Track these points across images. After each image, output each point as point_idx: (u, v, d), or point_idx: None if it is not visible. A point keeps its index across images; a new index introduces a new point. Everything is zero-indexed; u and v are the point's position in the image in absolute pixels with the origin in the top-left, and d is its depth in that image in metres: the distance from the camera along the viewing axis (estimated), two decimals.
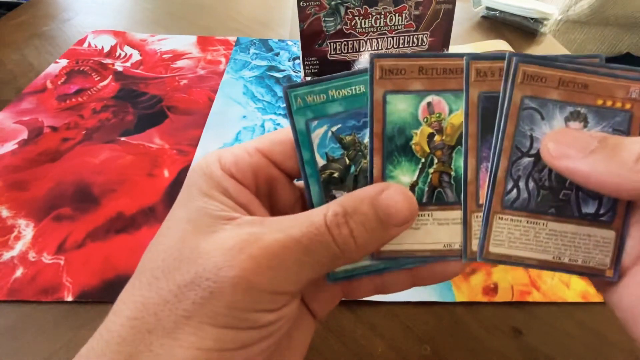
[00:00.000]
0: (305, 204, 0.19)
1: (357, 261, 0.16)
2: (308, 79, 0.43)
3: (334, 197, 0.17)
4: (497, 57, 0.16)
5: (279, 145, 0.17)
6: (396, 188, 0.15)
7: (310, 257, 0.14)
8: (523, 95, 0.16)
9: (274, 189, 0.18)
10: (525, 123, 0.16)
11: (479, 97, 0.16)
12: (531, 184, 0.17)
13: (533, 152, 0.16)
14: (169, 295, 0.13)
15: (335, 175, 0.17)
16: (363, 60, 0.43)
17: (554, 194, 0.17)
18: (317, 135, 0.17)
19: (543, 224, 0.17)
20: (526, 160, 0.16)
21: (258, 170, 0.17)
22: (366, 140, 0.17)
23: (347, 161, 0.17)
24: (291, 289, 0.15)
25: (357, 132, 0.17)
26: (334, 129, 0.17)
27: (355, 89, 0.16)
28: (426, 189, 0.17)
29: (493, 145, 0.16)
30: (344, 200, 0.15)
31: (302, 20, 0.39)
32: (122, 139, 0.44)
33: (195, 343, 0.13)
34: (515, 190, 0.17)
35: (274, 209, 0.18)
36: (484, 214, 0.17)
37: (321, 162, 0.17)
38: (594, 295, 0.32)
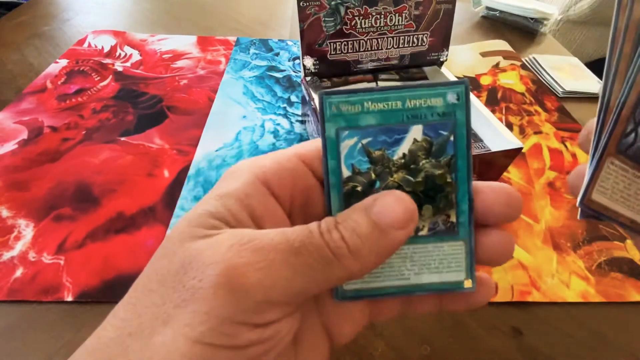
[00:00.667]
0: None
1: (359, 272, 0.15)
2: (308, 79, 0.43)
3: None
4: None
5: (318, 152, 0.17)
6: (389, 193, 0.15)
7: (301, 260, 0.13)
8: None
9: (310, 198, 0.17)
10: None
11: None
12: None
13: None
14: (156, 297, 0.13)
15: (359, 189, 0.16)
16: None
17: None
18: (346, 145, 0.16)
19: None
20: None
21: (296, 177, 0.16)
22: (395, 157, 0.16)
23: (373, 176, 0.16)
24: (280, 298, 0.13)
25: (387, 148, 0.16)
26: (365, 141, 0.16)
27: (392, 104, 0.16)
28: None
29: (627, 76, 0.15)
30: (340, 213, 0.15)
31: (302, 20, 0.39)
32: (122, 139, 0.44)
33: (165, 357, 0.12)
34: (633, 135, 0.15)
35: (309, 220, 0.17)
36: (596, 154, 0.16)
37: (346, 173, 0.16)
38: (594, 295, 0.32)
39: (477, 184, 0.17)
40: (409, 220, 0.15)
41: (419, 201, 0.16)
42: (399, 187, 0.16)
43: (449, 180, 0.16)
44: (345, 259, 0.14)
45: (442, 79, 0.46)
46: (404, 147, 0.16)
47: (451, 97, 0.16)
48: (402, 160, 0.16)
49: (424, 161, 0.16)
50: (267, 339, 0.13)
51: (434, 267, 0.17)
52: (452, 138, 0.16)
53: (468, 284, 0.17)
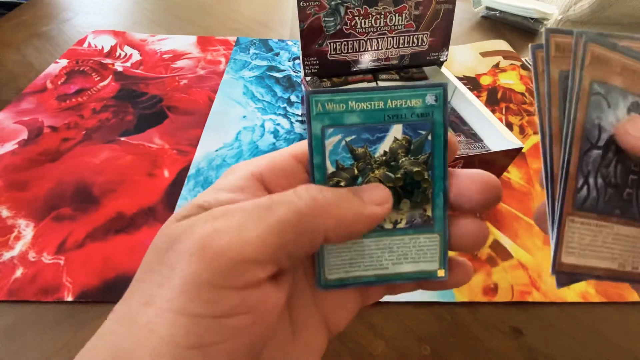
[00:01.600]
0: None
1: (335, 229, 0.15)
2: (308, 79, 0.43)
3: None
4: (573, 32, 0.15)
5: None
6: (370, 184, 0.17)
7: (273, 215, 0.14)
8: (592, 79, 0.15)
9: None
10: (593, 111, 0.15)
11: (560, 76, 0.15)
12: (599, 181, 0.15)
13: (601, 143, 0.15)
14: (143, 285, 0.13)
15: (342, 184, 0.17)
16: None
17: (619, 192, 0.15)
18: (331, 142, 0.17)
19: (610, 227, 0.16)
20: (595, 152, 0.15)
21: (290, 174, 0.17)
22: (377, 154, 0.17)
23: (356, 172, 0.17)
24: (254, 255, 0.13)
25: (369, 146, 0.17)
26: (348, 139, 0.17)
27: (374, 104, 0.17)
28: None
29: (564, 135, 0.15)
30: None
31: (302, 20, 0.39)
32: (122, 139, 0.44)
33: (149, 336, 0.12)
34: (585, 188, 0.15)
35: None
36: (555, 219, 0.15)
37: (331, 169, 0.17)
38: (594, 295, 0.32)
39: (455, 171, 0.18)
40: (386, 200, 0.16)
41: (398, 196, 0.17)
42: (379, 182, 0.17)
43: (426, 177, 0.17)
44: (319, 209, 0.14)
45: (442, 79, 0.46)
46: (385, 145, 0.17)
47: (430, 99, 0.17)
48: (383, 158, 0.17)
49: (403, 159, 0.17)
50: (252, 308, 0.13)
51: (410, 257, 0.18)
52: (429, 137, 0.17)
53: (441, 273, 0.18)
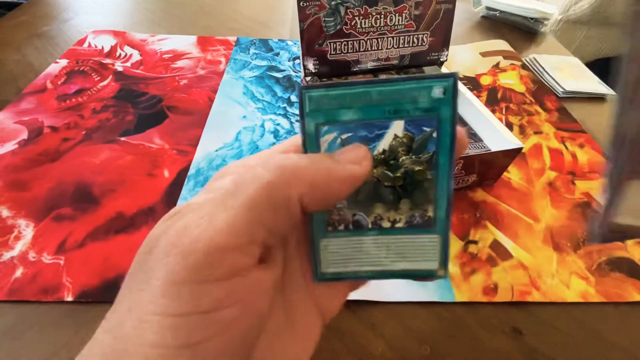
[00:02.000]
0: None
1: (310, 193, 0.14)
2: (308, 79, 0.43)
3: (334, 206, 0.17)
4: None
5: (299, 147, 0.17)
6: None
7: (237, 194, 0.13)
8: None
9: None
10: None
11: None
12: None
13: None
14: (126, 291, 0.13)
15: None
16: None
17: None
18: (325, 140, 0.16)
19: None
20: None
21: None
22: (375, 152, 0.16)
23: None
24: (227, 240, 0.13)
25: (367, 144, 0.16)
26: (344, 136, 0.16)
27: (373, 99, 0.16)
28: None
29: None
30: None
31: (302, 20, 0.39)
32: (122, 139, 0.44)
33: (136, 342, 0.12)
34: None
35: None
36: (615, 180, 0.15)
37: None
38: (594, 295, 0.32)
39: None
40: (363, 158, 0.15)
41: (398, 196, 0.17)
42: (377, 181, 0.16)
43: (428, 177, 0.16)
44: (293, 176, 0.14)
45: None
46: (385, 143, 0.16)
47: (437, 92, 0.15)
48: (382, 156, 0.16)
49: (404, 157, 0.16)
50: (239, 299, 0.13)
51: (409, 256, 0.17)
52: (434, 135, 0.16)
53: (441, 272, 0.17)
